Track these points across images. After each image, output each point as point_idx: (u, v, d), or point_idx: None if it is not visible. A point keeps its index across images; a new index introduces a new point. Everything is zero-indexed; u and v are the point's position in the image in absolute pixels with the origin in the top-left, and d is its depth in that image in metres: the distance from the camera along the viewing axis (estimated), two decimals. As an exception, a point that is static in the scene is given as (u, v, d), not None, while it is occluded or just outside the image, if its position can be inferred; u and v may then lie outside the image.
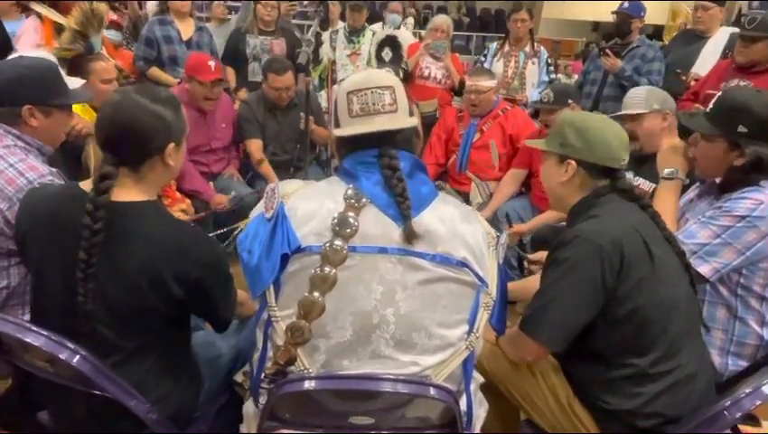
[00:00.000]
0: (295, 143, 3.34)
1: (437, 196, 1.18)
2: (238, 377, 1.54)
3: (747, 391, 1.21)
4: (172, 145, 1.25)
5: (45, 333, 1.18)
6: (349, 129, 1.17)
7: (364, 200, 1.11)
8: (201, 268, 1.22)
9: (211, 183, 3.05)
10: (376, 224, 1.10)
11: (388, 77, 1.19)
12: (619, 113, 2.34)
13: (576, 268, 1.30)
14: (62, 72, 2.09)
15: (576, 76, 8.62)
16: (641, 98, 2.31)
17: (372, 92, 1.15)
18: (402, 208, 1.09)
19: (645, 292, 1.31)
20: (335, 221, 1.09)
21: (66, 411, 1.34)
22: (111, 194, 1.17)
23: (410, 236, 1.07)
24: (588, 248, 1.29)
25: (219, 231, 2.62)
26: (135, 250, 1.18)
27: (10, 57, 1.83)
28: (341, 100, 1.19)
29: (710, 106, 1.65)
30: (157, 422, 1.24)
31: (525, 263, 2.18)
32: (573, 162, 1.44)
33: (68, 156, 2.13)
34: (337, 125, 1.21)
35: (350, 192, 1.12)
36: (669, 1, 9.24)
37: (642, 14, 3.61)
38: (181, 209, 2.67)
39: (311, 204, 1.13)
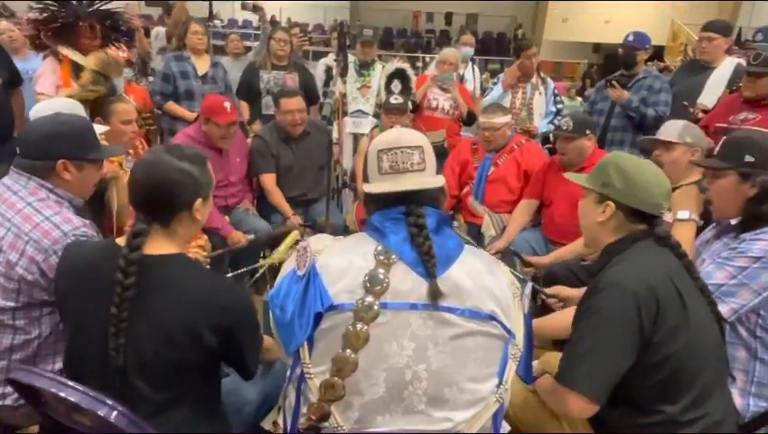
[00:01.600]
0: (310, 172, 3.39)
1: (464, 249, 1.21)
2: (266, 424, 1.55)
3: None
4: (199, 200, 1.32)
5: (81, 388, 1.20)
6: (378, 186, 1.21)
7: (393, 257, 1.14)
8: (234, 316, 1.26)
9: (227, 218, 3.09)
10: (406, 281, 1.13)
11: (417, 137, 1.24)
12: (652, 137, 2.37)
13: (614, 316, 1.31)
14: (85, 115, 2.16)
15: (580, 99, 8.73)
16: (676, 129, 2.32)
17: (402, 151, 1.20)
18: (428, 266, 1.12)
19: (679, 339, 1.32)
20: (366, 278, 1.12)
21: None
22: (144, 249, 1.23)
23: (435, 295, 1.10)
24: (624, 295, 1.30)
25: (237, 272, 2.64)
26: (168, 301, 1.22)
27: (45, 113, 1.87)
28: (371, 158, 1.23)
29: (718, 147, 1.72)
30: (189, 474, 1.26)
31: (541, 297, 2.20)
32: (612, 204, 1.45)
33: (91, 198, 2.17)
34: (366, 180, 1.26)
35: (379, 248, 1.15)
36: (672, 12, 9.36)
37: (648, 45, 3.66)
38: (198, 245, 2.69)
39: (342, 261, 1.16)
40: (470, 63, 4.70)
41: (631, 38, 3.64)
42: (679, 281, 1.37)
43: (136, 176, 1.30)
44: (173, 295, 1.23)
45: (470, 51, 4.66)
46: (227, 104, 3.01)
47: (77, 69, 3.04)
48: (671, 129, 2.33)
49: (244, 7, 4.48)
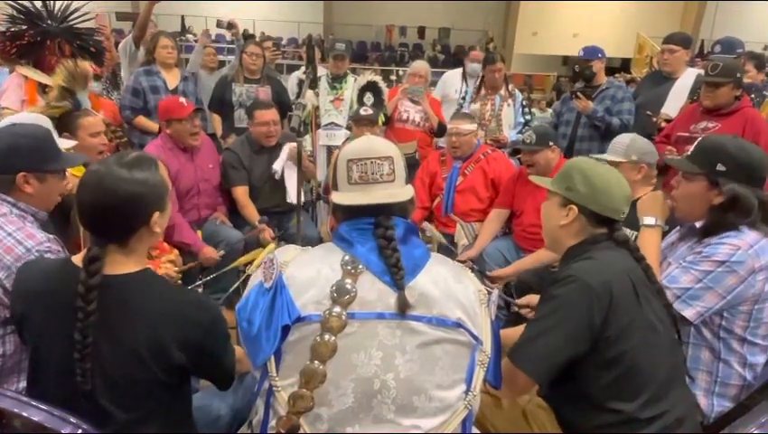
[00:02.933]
0: (282, 182, 3.37)
1: (430, 257, 1.22)
2: (237, 439, 1.53)
3: (736, 440, 1.26)
4: (156, 214, 1.26)
5: (45, 407, 1.18)
6: (347, 197, 1.21)
7: (360, 266, 1.14)
8: (202, 330, 1.24)
9: (199, 232, 3.06)
10: (373, 290, 1.13)
11: (387, 147, 1.24)
12: (599, 156, 2.43)
13: (566, 305, 1.36)
14: (53, 130, 2.12)
15: (550, 111, 8.92)
16: (623, 146, 2.40)
17: (372, 162, 1.20)
18: (396, 278, 1.12)
19: (634, 335, 1.36)
20: (333, 288, 1.12)
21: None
22: (103, 270, 1.19)
23: (403, 307, 1.11)
24: (578, 286, 1.35)
25: (206, 279, 2.61)
26: (134, 322, 1.19)
27: (3, 124, 1.85)
28: (340, 167, 1.23)
29: (692, 149, 1.75)
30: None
31: (513, 308, 2.22)
32: (575, 207, 1.49)
33: (57, 214, 2.14)
34: (335, 188, 1.26)
35: (346, 258, 1.16)
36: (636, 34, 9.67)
37: (600, 55, 3.76)
38: (169, 259, 2.66)
39: (309, 272, 1.16)
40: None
41: (581, 53, 3.77)
42: (637, 278, 1.41)
43: (85, 198, 1.20)
44: (137, 314, 1.20)
45: (477, 66, 4.41)
46: (182, 99, 3.03)
47: (42, 84, 3.00)
48: (618, 147, 2.41)
49: (219, 25, 4.46)
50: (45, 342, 1.24)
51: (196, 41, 4.50)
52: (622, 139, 2.45)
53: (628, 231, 2.14)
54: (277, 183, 3.37)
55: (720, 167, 1.62)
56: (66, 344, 1.17)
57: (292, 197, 3.38)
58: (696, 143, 1.76)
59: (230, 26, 4.43)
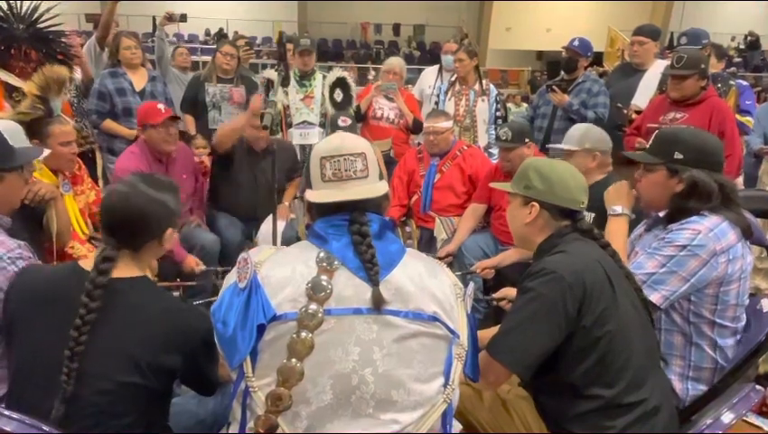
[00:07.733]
0: (262, 191, 3.32)
1: (405, 253, 1.22)
2: (217, 443, 1.52)
3: (708, 421, 1.29)
4: (170, 230, 1.39)
5: (17, 416, 1.16)
6: (321, 195, 1.21)
7: (336, 263, 1.14)
8: (199, 336, 1.30)
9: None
10: (349, 286, 1.13)
11: (360, 143, 1.24)
12: (555, 146, 2.53)
13: (540, 297, 1.38)
14: (24, 137, 2.08)
15: (526, 105, 9.00)
16: (576, 135, 2.53)
17: (345, 159, 1.20)
18: (371, 274, 1.12)
19: (609, 322, 1.38)
20: (309, 285, 1.11)
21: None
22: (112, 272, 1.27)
23: (378, 303, 1.11)
24: (551, 279, 1.37)
25: (199, 302, 2.58)
26: (133, 324, 1.25)
27: None
28: (314, 164, 1.23)
29: (649, 142, 1.81)
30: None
31: (492, 302, 2.25)
32: (536, 204, 1.53)
33: (29, 221, 2.10)
34: (309, 186, 1.25)
35: (322, 255, 1.15)
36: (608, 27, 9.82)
37: (589, 54, 3.83)
38: (146, 263, 2.62)
39: (284, 270, 1.15)
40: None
41: (576, 43, 3.80)
42: (609, 268, 1.44)
43: (112, 204, 1.34)
44: (137, 318, 1.26)
45: (450, 58, 4.37)
46: (160, 106, 2.97)
47: (10, 89, 2.92)
48: (572, 137, 2.54)
49: (171, 18, 4.35)
50: (36, 342, 1.26)
51: (169, 41, 4.38)
52: (577, 129, 2.58)
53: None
54: (257, 189, 3.32)
55: (677, 155, 1.68)
56: (56, 345, 1.19)
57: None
58: (653, 135, 1.82)
59: (172, 18, 4.33)
